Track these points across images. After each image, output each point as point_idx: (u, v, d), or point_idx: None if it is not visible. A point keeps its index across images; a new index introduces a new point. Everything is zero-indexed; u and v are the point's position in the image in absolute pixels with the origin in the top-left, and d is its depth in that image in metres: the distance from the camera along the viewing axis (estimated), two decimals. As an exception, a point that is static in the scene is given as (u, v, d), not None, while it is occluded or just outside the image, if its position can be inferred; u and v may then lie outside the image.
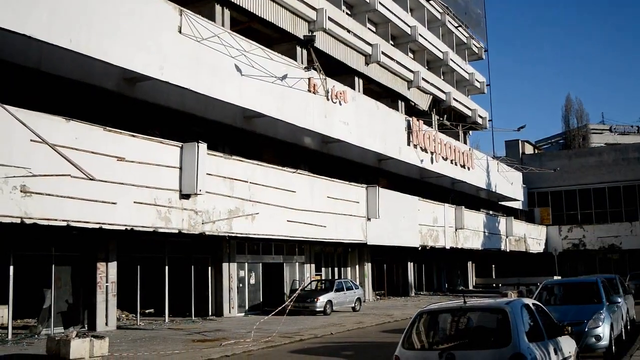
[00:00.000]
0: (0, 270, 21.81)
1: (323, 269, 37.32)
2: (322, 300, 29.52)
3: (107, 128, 20.55)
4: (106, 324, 23.09)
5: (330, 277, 36.54)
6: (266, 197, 26.25)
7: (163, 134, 24.28)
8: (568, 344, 10.41)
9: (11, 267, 20.54)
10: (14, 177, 16.99)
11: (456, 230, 44.89)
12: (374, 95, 39.84)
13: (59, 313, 22.24)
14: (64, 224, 18.52)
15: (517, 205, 63.63)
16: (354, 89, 36.73)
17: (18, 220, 17.26)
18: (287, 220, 27.59)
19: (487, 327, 9.88)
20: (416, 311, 9.78)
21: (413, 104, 46.93)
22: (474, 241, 48.21)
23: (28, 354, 16.89)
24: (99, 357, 15.79)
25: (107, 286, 23.20)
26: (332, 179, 32.13)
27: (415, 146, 39.84)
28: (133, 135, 21.06)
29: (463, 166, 47.15)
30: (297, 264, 34.26)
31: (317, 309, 29.18)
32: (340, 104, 31.75)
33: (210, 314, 28.36)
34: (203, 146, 22.52)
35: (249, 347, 18.61)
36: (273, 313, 23.56)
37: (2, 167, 16.78)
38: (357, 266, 39.79)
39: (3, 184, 16.76)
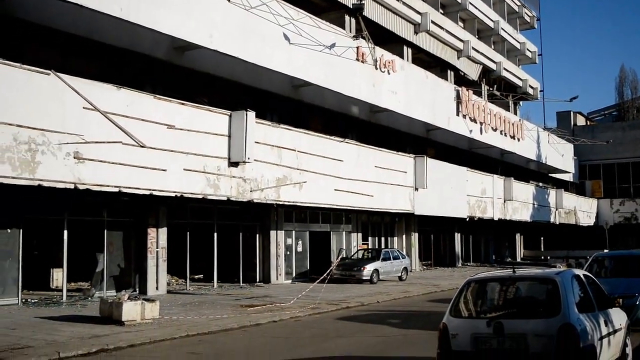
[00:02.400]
0: (55, 234, 22.41)
1: (370, 238, 37.39)
2: (368, 269, 29.60)
3: (157, 96, 20.80)
4: (157, 288, 23.56)
5: (377, 247, 36.58)
6: (313, 165, 26.33)
7: (211, 103, 24.44)
8: (619, 316, 10.25)
9: (65, 232, 21.07)
10: (68, 143, 17.36)
11: (505, 201, 44.42)
12: (422, 64, 39.39)
13: (111, 277, 22.78)
14: (116, 189, 18.89)
15: (568, 177, 62.58)
16: (402, 58, 36.36)
17: (72, 186, 17.67)
18: (335, 189, 27.66)
19: (536, 297, 9.77)
20: (463, 281, 9.73)
21: (462, 73, 46.27)
22: (523, 213, 47.68)
23: (82, 315, 17.36)
24: (150, 320, 16.13)
25: (157, 251, 23.63)
26: (380, 149, 32.04)
27: (464, 116, 39.41)
28: (182, 103, 21.27)
29: (513, 137, 46.51)
30: (344, 232, 34.38)
31: (364, 278, 29.29)
32: (389, 73, 31.51)
33: (257, 280, 28.72)
34: (251, 114, 22.63)
35: (297, 313, 18.82)
36: (319, 280, 23.74)
37: (56, 133, 17.14)
38: (404, 236, 39.75)
39: (57, 150, 17.13)
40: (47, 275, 24.61)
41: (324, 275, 23.68)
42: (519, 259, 56.88)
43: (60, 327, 15.25)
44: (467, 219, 40.46)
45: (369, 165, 30.28)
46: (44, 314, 17.48)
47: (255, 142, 22.94)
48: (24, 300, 19.99)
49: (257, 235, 29.12)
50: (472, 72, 47.57)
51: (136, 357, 12.44)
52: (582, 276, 9.84)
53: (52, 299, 21.11)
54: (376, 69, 30.53)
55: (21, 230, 19.84)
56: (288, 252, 30.30)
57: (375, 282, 29.50)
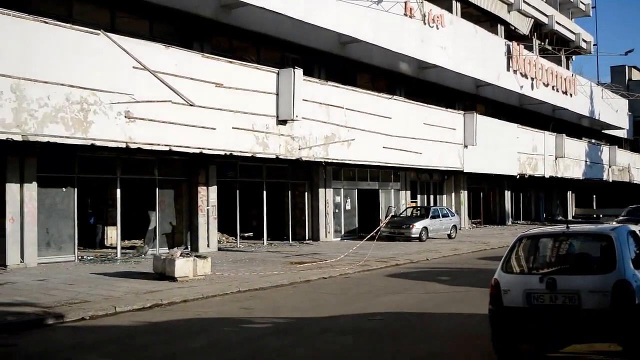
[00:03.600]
0: (108, 193, 22.85)
1: (419, 196, 37.25)
2: (417, 226, 29.51)
3: (205, 54, 20.90)
4: (207, 245, 23.88)
5: (425, 205, 36.43)
6: (361, 123, 26.21)
7: (259, 60, 24.44)
8: (676, 273, 10.00)
9: (118, 190, 21.45)
10: (119, 103, 17.57)
11: (556, 158, 43.74)
12: (472, 19, 38.54)
13: (163, 234, 23.16)
14: (167, 148, 19.14)
15: (622, 134, 61.14)
16: (451, 12, 35.64)
17: (123, 145, 17.95)
18: (383, 147, 27.55)
19: (590, 253, 9.57)
20: (514, 239, 9.59)
21: (513, 28, 45.20)
22: (575, 170, 46.89)
23: (136, 271, 17.73)
24: (202, 276, 16.40)
25: (208, 209, 23.91)
26: (429, 105, 31.75)
27: (514, 72, 38.71)
28: (230, 62, 21.33)
29: (565, 93, 45.53)
30: (392, 190, 34.30)
31: (413, 235, 29.23)
32: (437, 29, 30.99)
33: (306, 238, 28.90)
34: (299, 72, 22.55)
35: (346, 270, 18.93)
36: (367, 238, 23.79)
37: (107, 93, 17.36)
38: (453, 194, 39.50)
39: (108, 109, 17.37)
40: (102, 233, 25.15)
41: (373, 232, 23.70)
42: (570, 217, 56.07)
43: (115, 283, 15.62)
44: (518, 177, 40.02)
45: (418, 123, 30.02)
46: (100, 271, 17.93)
47: (303, 99, 22.90)
48: (80, 257, 20.51)
49: (306, 193, 29.23)
50: (523, 26, 46.44)
51: (189, 312, 12.68)
52: (637, 232, 9.62)
53: (107, 256, 21.60)
54: (424, 24, 30.05)
55: (76, 189, 20.27)
56: (337, 210, 30.37)
57: (424, 239, 29.44)
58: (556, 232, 9.70)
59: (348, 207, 31.20)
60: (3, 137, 15.60)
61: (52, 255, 19.57)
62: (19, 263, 18.30)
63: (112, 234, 24.18)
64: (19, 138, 15.89)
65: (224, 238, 27.64)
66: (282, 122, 22.54)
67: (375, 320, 11.85)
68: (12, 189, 18.25)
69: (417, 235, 29.30)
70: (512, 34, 44.36)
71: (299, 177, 28.95)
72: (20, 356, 9.31)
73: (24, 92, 15.77)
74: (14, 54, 15.68)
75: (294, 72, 22.32)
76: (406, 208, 33.64)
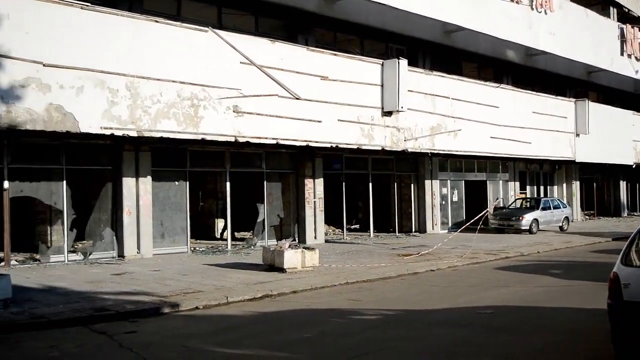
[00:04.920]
0: (218, 186, 23.39)
1: (528, 187, 36.28)
2: (527, 218, 28.72)
3: (310, 48, 21.08)
4: (315, 237, 24.08)
5: (535, 196, 35.43)
6: (468, 113, 25.76)
7: (363, 52, 24.39)
8: None
9: (227, 184, 21.96)
10: (227, 98, 17.99)
11: (676, 146, 41.51)
12: (582, 2, 37.03)
13: (271, 227, 23.53)
14: (274, 142, 19.44)
15: None
16: (560, -4, 34.50)
17: (232, 139, 18.38)
18: (490, 137, 26.99)
19: None
20: (632, 231, 9.16)
21: (626, 10, 43.11)
22: (697, 158, 44.38)
23: (246, 263, 18.12)
24: (310, 268, 16.56)
25: (314, 202, 24.10)
26: (537, 93, 30.90)
27: (629, 56, 37.11)
28: (334, 54, 21.41)
29: (685, 76, 43.13)
30: (500, 181, 33.53)
31: (522, 228, 28.49)
32: (546, 13, 30.07)
33: (413, 230, 28.68)
34: (404, 62, 22.39)
35: (454, 262, 18.67)
36: (462, 228, 23.38)
37: (215, 88, 17.81)
38: (564, 185, 38.24)
39: (217, 104, 17.81)
40: (212, 225, 25.82)
41: (475, 218, 23.27)
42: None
43: (226, 274, 16.00)
44: (634, 166, 38.26)
45: (526, 111, 29.21)
46: (211, 262, 18.42)
47: (408, 90, 22.72)
48: (192, 248, 21.14)
49: (412, 185, 28.99)
50: (637, 7, 44.26)
51: (299, 303, 12.83)
52: None
53: (218, 247, 22.15)
54: (532, 9, 29.24)
55: (187, 183, 20.89)
56: (443, 202, 29.98)
57: (535, 232, 28.63)
58: (680, 223, 9.23)
59: (455, 198, 30.74)
60: (119, 133, 16.28)
61: (166, 247, 20.27)
62: (136, 254, 19.07)
63: (222, 226, 24.78)
64: (134, 134, 16.54)
65: (330, 230, 27.82)
66: (387, 114, 22.44)
67: (485, 313, 11.62)
68: (128, 183, 19.01)
69: (527, 228, 28.53)
70: (625, 16, 42.36)
71: (404, 169, 28.76)
72: (139, 343, 9.68)
73: (137, 90, 16.40)
74: (127, 53, 16.31)
75: (398, 62, 22.18)
76: (515, 199, 32.83)
